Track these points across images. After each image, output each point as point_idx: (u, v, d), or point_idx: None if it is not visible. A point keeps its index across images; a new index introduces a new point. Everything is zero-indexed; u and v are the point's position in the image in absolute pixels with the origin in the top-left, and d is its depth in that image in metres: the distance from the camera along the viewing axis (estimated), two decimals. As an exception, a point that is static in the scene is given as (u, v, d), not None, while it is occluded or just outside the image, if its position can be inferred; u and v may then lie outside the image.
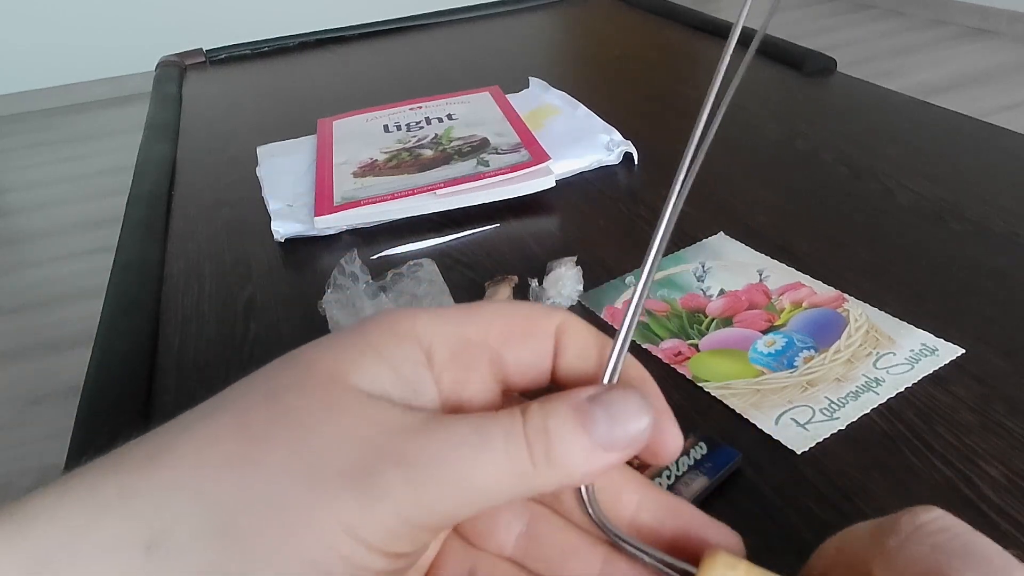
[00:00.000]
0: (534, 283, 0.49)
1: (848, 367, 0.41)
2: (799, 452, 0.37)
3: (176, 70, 1.03)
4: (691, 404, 0.41)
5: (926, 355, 0.42)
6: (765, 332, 0.45)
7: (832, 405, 0.39)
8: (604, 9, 1.14)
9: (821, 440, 0.37)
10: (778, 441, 0.37)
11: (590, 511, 0.22)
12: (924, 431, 0.37)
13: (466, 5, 1.16)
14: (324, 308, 0.44)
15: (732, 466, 0.35)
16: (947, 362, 0.41)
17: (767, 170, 0.63)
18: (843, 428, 0.38)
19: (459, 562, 0.23)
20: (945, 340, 0.42)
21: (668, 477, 0.35)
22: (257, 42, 1.10)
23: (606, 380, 0.22)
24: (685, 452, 0.36)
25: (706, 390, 0.41)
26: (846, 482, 0.35)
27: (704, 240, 0.54)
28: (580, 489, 0.22)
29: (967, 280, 0.48)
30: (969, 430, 0.37)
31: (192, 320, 0.52)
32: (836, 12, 3.85)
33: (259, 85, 0.97)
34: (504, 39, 1.06)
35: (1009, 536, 0.31)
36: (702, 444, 0.36)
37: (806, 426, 0.38)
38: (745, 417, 0.39)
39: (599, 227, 0.58)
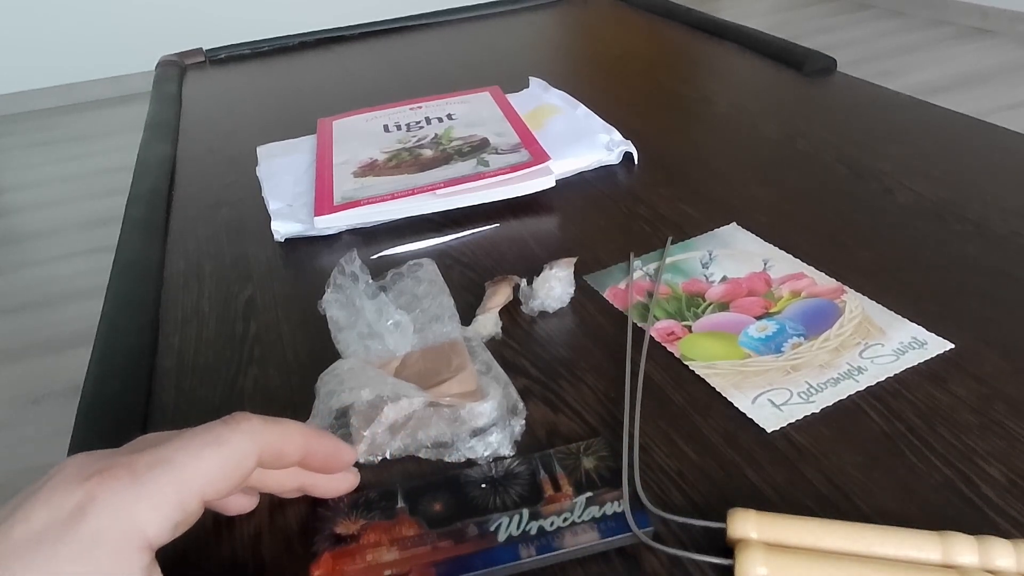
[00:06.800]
0: (523, 283, 0.49)
1: (834, 355, 0.42)
2: (768, 431, 0.38)
3: (176, 70, 1.03)
4: (674, 381, 0.42)
5: (914, 348, 0.42)
6: (759, 318, 0.46)
7: (810, 389, 0.40)
8: (604, 9, 1.14)
9: (793, 421, 0.38)
10: (751, 419, 0.38)
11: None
12: (924, 431, 0.37)
13: (466, 5, 1.16)
14: (324, 308, 0.44)
15: (626, 538, 0.32)
16: (934, 355, 0.42)
17: (767, 170, 0.63)
18: (816, 412, 0.39)
19: None
20: (937, 335, 0.43)
21: (565, 520, 0.33)
22: (257, 42, 1.10)
23: None
24: (600, 503, 0.33)
25: (691, 368, 0.42)
26: (847, 482, 0.35)
27: (716, 230, 0.55)
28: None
29: (967, 280, 0.48)
30: (969, 430, 0.37)
31: (192, 320, 0.52)
32: (836, 12, 3.85)
33: (259, 85, 0.97)
34: (504, 39, 1.06)
35: (1009, 536, 0.31)
36: (618, 503, 0.33)
37: (781, 407, 0.39)
38: (724, 395, 0.40)
39: (599, 227, 0.58)
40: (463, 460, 0.37)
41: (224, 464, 0.28)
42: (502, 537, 0.32)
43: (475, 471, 0.36)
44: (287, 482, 0.35)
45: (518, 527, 0.33)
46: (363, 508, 0.35)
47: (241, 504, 0.35)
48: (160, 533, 0.26)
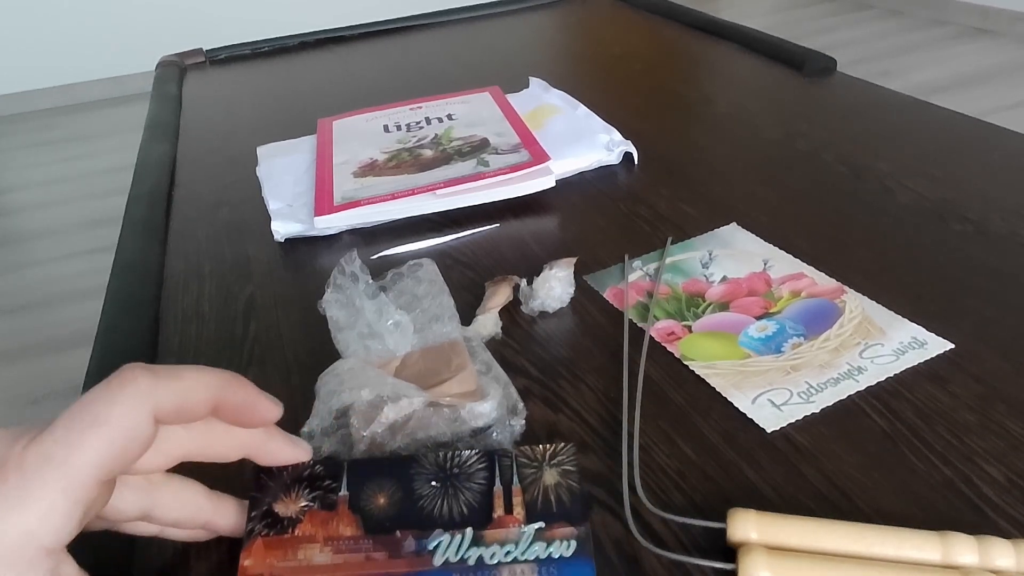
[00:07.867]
0: (523, 283, 0.49)
1: (834, 355, 0.42)
2: (768, 431, 0.38)
3: (176, 70, 1.03)
4: (674, 381, 0.42)
5: (914, 348, 0.42)
6: (759, 318, 0.46)
7: (810, 389, 0.40)
8: (604, 9, 1.14)
9: (793, 421, 0.38)
10: (751, 419, 0.39)
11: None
12: (924, 431, 0.37)
13: (466, 5, 1.16)
14: (324, 308, 0.44)
15: None
16: (934, 355, 0.42)
17: (767, 170, 0.63)
18: (816, 412, 0.39)
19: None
20: (937, 335, 0.43)
21: (507, 555, 0.30)
22: (257, 42, 1.10)
23: None
24: (547, 540, 0.30)
25: (691, 368, 0.43)
26: (847, 482, 0.35)
27: (716, 230, 0.55)
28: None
29: (967, 280, 0.48)
30: (969, 430, 0.37)
31: (192, 320, 0.52)
32: (836, 12, 3.85)
33: (259, 85, 0.97)
34: (504, 39, 1.06)
35: (1009, 536, 0.31)
36: (573, 542, 0.30)
37: (781, 407, 0.39)
38: (724, 395, 0.40)
39: (599, 227, 0.58)
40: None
41: (111, 446, 0.26)
42: (438, 561, 0.30)
43: (429, 461, 0.34)
44: (229, 451, 0.32)
45: (456, 552, 0.30)
46: (305, 484, 0.33)
47: (190, 534, 0.33)
48: (58, 537, 0.25)
